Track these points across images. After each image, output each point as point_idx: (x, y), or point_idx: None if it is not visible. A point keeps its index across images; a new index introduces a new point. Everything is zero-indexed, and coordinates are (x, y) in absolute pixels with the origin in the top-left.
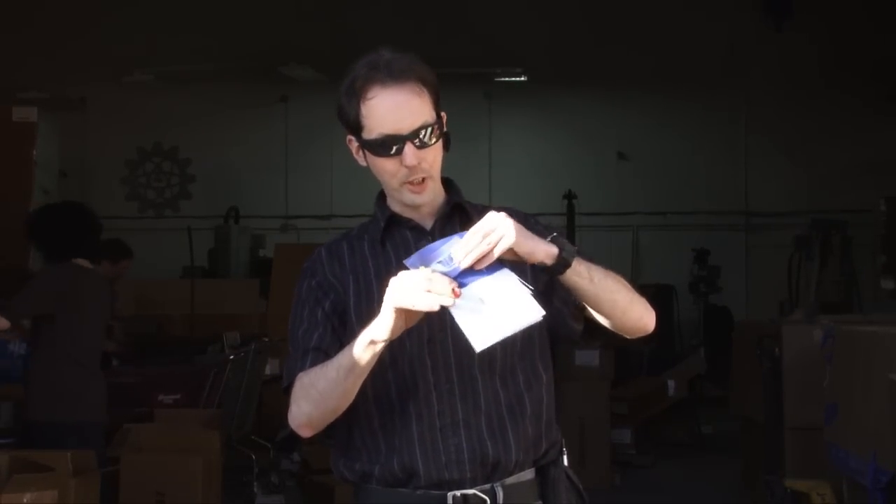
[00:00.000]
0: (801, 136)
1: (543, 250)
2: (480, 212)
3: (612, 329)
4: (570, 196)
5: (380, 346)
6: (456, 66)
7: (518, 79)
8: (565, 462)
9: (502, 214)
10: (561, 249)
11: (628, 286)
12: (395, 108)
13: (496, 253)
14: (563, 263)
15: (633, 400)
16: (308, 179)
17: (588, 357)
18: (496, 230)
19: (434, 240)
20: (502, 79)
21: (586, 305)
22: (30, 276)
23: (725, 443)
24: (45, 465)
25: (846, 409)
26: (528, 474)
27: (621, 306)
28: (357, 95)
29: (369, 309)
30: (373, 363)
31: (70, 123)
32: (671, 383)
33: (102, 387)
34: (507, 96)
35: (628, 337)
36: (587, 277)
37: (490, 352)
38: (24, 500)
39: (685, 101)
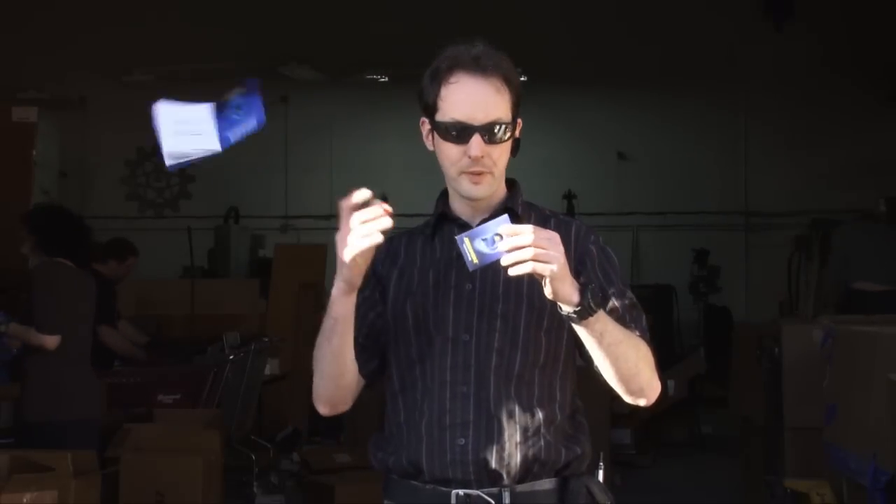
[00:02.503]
0: (801, 136)
1: (566, 296)
2: (541, 215)
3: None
4: (570, 196)
5: (347, 300)
6: None
7: None
8: (600, 477)
9: (561, 249)
10: (580, 304)
11: (643, 358)
12: (472, 96)
13: (526, 270)
14: (575, 317)
15: None
16: (308, 179)
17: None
18: (548, 254)
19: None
20: None
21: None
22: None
23: (725, 443)
24: (45, 465)
25: (846, 409)
26: (547, 483)
27: (622, 374)
28: (440, 77)
29: (406, 301)
30: (348, 318)
31: (70, 123)
32: (671, 383)
33: (96, 385)
34: None
35: (624, 399)
36: (597, 335)
37: (509, 358)
38: (24, 500)
39: (685, 101)
